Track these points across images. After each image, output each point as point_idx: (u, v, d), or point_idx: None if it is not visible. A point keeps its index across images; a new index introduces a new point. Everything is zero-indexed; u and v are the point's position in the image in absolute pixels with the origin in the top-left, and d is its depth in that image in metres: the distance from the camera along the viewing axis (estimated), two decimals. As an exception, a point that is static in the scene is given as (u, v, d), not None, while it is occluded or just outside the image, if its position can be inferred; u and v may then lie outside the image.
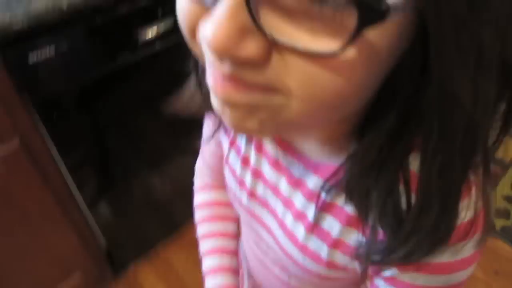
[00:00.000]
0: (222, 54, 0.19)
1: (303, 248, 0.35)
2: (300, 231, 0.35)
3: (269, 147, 0.37)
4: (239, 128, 0.24)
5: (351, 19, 0.17)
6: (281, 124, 0.23)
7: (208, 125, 0.46)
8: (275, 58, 0.20)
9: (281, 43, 0.19)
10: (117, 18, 0.78)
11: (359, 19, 0.17)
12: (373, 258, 0.29)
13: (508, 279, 1.20)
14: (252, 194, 0.40)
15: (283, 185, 0.36)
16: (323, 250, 0.34)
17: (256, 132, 0.24)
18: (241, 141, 0.40)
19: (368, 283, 0.35)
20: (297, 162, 0.35)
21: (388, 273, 0.31)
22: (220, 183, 0.51)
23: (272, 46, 0.19)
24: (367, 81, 0.21)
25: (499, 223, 1.40)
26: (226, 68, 0.21)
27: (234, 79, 0.21)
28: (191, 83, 0.36)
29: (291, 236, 0.36)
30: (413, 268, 0.29)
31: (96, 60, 0.80)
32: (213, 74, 0.22)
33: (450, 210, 0.25)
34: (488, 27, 0.18)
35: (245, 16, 0.18)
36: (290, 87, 0.20)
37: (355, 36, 0.17)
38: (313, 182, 0.33)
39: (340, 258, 0.34)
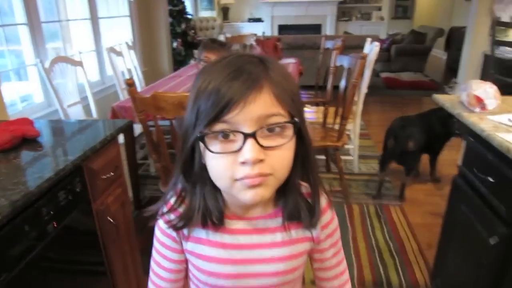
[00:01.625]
0: (256, 161, 0.53)
1: (285, 258, 0.66)
2: (278, 252, 0.65)
3: (237, 225, 0.65)
4: (258, 199, 0.56)
5: (289, 130, 0.56)
6: (273, 189, 0.58)
7: (170, 248, 0.69)
8: (266, 155, 0.54)
9: (269, 147, 0.54)
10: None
11: (294, 130, 0.56)
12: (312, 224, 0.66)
13: None
14: (236, 261, 0.65)
15: (255, 238, 0.65)
16: (295, 247, 0.66)
17: (266, 198, 0.57)
18: (214, 235, 0.65)
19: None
20: (260, 219, 0.65)
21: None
22: None
23: (265, 150, 0.54)
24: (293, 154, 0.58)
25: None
26: (255, 170, 0.53)
27: (258, 175, 0.54)
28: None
29: (276, 260, 0.65)
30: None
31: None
32: (250, 177, 0.54)
33: (318, 201, 0.66)
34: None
35: (257, 145, 0.53)
36: (275, 166, 0.55)
37: (292, 136, 0.56)
38: (274, 223, 0.66)
39: (301, 246, 0.67)
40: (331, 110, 2.67)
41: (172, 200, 0.66)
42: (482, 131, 1.18)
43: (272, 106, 0.54)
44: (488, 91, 1.29)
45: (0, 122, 1.28)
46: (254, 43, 3.51)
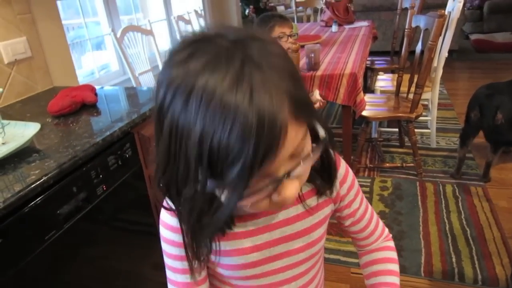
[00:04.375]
0: (293, 200, 0.46)
1: (308, 230, 0.59)
2: (299, 225, 0.59)
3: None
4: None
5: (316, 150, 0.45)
6: None
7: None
8: None
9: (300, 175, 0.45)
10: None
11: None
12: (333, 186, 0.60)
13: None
14: (259, 247, 0.57)
15: (279, 216, 0.58)
16: (316, 216, 0.60)
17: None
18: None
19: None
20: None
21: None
22: None
23: None
24: None
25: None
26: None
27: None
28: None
29: (299, 234, 0.59)
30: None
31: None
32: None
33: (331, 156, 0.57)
34: None
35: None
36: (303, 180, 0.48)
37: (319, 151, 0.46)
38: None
39: (321, 213, 0.61)
40: (405, 77, 2.43)
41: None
42: None
43: (296, 130, 0.39)
44: None
45: (67, 88, 1.35)
46: (324, 6, 3.29)
